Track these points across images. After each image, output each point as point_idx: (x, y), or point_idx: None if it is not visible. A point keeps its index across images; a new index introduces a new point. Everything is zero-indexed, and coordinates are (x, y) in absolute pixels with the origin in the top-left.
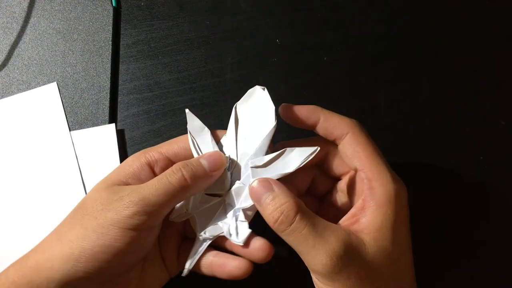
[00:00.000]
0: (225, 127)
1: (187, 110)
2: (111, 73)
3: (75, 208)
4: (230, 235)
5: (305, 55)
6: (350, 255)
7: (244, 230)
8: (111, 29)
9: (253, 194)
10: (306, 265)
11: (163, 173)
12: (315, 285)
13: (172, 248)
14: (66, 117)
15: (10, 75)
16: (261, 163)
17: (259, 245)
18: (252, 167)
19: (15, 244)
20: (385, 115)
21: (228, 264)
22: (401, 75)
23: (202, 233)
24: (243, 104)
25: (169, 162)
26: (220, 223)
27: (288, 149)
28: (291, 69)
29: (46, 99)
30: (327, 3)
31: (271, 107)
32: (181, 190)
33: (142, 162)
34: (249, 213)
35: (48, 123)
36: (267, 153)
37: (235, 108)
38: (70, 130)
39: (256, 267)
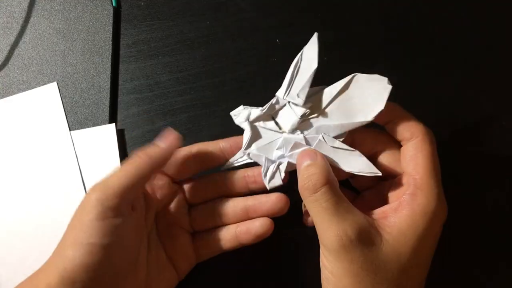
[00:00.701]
0: (225, 127)
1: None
2: (111, 73)
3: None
4: (265, 175)
5: None
6: (361, 242)
7: (277, 179)
8: (111, 29)
9: (299, 157)
10: (318, 236)
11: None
12: (320, 259)
13: (182, 247)
14: (66, 117)
15: (10, 75)
16: (329, 143)
17: (276, 196)
18: (321, 139)
19: (14, 244)
20: None
21: (252, 227)
22: (401, 75)
23: (247, 148)
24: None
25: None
26: (264, 155)
27: (357, 152)
28: None
29: (46, 99)
30: (327, 3)
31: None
32: (138, 169)
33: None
34: (291, 167)
35: (48, 123)
36: (343, 136)
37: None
38: (70, 130)
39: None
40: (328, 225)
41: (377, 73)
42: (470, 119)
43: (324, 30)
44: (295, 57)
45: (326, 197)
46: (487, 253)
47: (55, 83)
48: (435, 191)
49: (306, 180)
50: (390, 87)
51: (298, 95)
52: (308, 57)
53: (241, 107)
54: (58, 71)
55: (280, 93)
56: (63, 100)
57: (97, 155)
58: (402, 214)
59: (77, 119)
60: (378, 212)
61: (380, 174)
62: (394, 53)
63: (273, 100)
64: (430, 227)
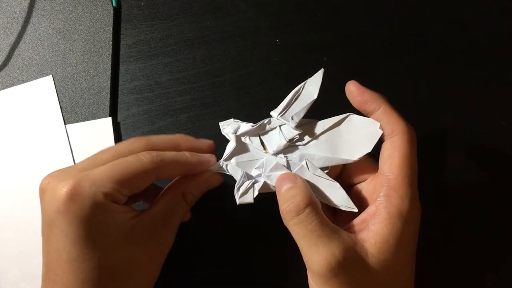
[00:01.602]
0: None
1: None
2: (111, 73)
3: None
4: (238, 189)
5: (305, 55)
6: (348, 264)
7: (249, 196)
8: (111, 29)
9: (278, 180)
10: (304, 261)
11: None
12: (309, 283)
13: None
14: (62, 111)
15: (11, 75)
16: (311, 170)
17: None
18: (304, 165)
19: (7, 236)
20: None
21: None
22: (401, 75)
23: (227, 160)
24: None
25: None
26: (242, 170)
27: (337, 184)
28: (291, 69)
29: (42, 92)
30: (327, 3)
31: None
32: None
33: None
34: (266, 189)
35: (43, 115)
36: (326, 170)
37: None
38: (65, 124)
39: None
40: (316, 249)
41: (376, 72)
42: (469, 118)
43: (324, 30)
44: (295, 57)
45: (311, 218)
46: (487, 253)
47: (50, 76)
48: (409, 190)
49: (289, 202)
50: (381, 132)
51: (292, 118)
52: (310, 89)
53: (232, 119)
54: (59, 71)
55: (274, 112)
56: (64, 100)
57: (94, 149)
58: (380, 220)
59: (77, 119)
60: (358, 222)
61: (356, 211)
62: (394, 53)
63: (265, 120)
64: (409, 227)
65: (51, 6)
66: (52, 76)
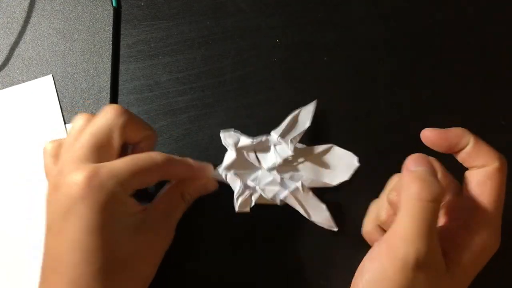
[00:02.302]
0: (225, 127)
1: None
2: (111, 73)
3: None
4: (237, 199)
5: (305, 55)
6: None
7: (247, 206)
8: (111, 29)
9: (410, 163)
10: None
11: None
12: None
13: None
14: (62, 110)
15: (11, 75)
16: (305, 192)
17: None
18: (298, 187)
19: (7, 236)
20: (385, 115)
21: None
22: (401, 75)
23: (227, 169)
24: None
25: None
26: (241, 180)
27: (324, 207)
28: (291, 69)
29: (42, 91)
30: (327, 3)
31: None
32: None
33: None
34: (262, 200)
35: (43, 115)
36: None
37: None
38: (65, 123)
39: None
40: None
41: (377, 72)
42: (469, 118)
43: (324, 30)
44: (295, 57)
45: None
46: None
47: (50, 76)
48: (498, 224)
49: (432, 188)
50: (357, 165)
51: (290, 141)
52: (304, 117)
53: (232, 130)
54: (59, 71)
55: (275, 133)
56: (64, 100)
57: None
58: (470, 251)
59: None
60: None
61: (336, 229)
62: (394, 53)
63: (263, 138)
64: (486, 260)
65: (51, 6)
66: (52, 75)
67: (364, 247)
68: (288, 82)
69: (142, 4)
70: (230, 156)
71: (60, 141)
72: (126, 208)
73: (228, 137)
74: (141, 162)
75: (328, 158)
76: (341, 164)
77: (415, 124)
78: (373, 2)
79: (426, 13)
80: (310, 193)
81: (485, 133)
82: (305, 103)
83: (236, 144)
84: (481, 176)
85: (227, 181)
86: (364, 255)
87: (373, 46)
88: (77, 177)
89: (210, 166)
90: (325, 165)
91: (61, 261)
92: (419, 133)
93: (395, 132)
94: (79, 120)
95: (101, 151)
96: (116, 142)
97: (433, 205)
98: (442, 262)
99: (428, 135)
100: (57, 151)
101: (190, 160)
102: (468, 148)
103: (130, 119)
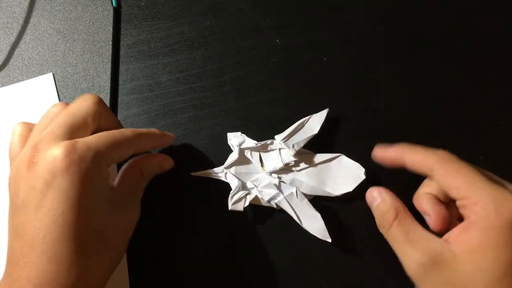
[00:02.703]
0: (225, 127)
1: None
2: (111, 73)
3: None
4: (232, 197)
5: (305, 55)
6: (435, 266)
7: (240, 205)
8: (111, 29)
9: (368, 196)
10: None
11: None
12: None
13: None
14: None
15: (11, 75)
16: (299, 198)
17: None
18: (293, 193)
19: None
20: (385, 115)
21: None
22: (401, 75)
23: (228, 168)
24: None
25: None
26: (239, 180)
27: (319, 216)
28: (291, 69)
29: (42, 89)
30: (327, 3)
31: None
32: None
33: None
34: (257, 201)
35: (43, 113)
36: (311, 197)
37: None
38: None
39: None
40: (404, 256)
41: (377, 72)
42: (469, 118)
43: (324, 30)
44: (295, 57)
45: (398, 230)
46: None
47: (50, 74)
48: (486, 195)
49: (380, 219)
50: (363, 177)
51: (293, 146)
52: (314, 123)
53: (239, 133)
54: (59, 71)
55: (279, 137)
56: (64, 100)
57: None
58: (471, 232)
59: None
60: (450, 235)
61: (330, 241)
62: (394, 52)
63: (268, 141)
64: (502, 232)
65: (51, 6)
66: (57, 83)
67: (364, 246)
68: (288, 82)
69: (142, 4)
70: (233, 156)
71: (30, 124)
72: (103, 181)
73: (233, 138)
74: (114, 136)
75: (334, 167)
76: (347, 175)
77: (415, 123)
78: (373, 2)
79: (426, 13)
80: (305, 200)
81: (485, 133)
82: (305, 103)
83: (240, 144)
84: (441, 183)
85: (226, 179)
86: (364, 254)
87: (373, 46)
88: (56, 151)
89: (171, 135)
90: (329, 174)
91: (40, 238)
92: (419, 133)
93: (395, 132)
94: (55, 107)
95: (76, 131)
96: (91, 126)
97: None
98: None
99: (376, 154)
100: (26, 132)
101: (155, 130)
102: (406, 163)
103: (105, 109)
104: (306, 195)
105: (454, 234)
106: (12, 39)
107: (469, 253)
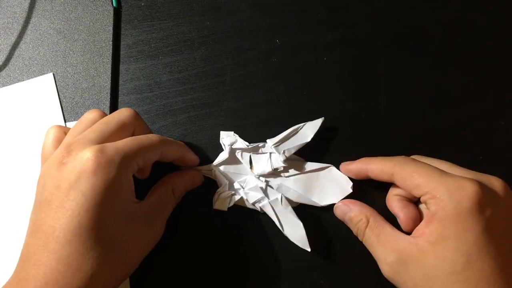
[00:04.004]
0: (225, 127)
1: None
2: (112, 73)
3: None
4: (218, 195)
5: (305, 55)
6: (405, 264)
7: (225, 204)
8: (111, 30)
9: (338, 212)
10: None
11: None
12: None
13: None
14: (62, 108)
15: (11, 75)
16: (284, 205)
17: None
18: (278, 198)
19: (6, 236)
20: (385, 115)
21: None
22: (401, 75)
23: (216, 166)
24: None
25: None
26: (226, 180)
27: (301, 225)
28: (291, 69)
29: (42, 89)
30: (327, 3)
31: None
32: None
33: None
34: (242, 203)
35: (43, 113)
36: (296, 204)
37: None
38: (65, 122)
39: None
40: (378, 258)
41: (376, 72)
42: (469, 118)
43: (324, 30)
44: (295, 57)
45: (369, 235)
46: None
47: (51, 74)
48: (443, 187)
49: (355, 229)
50: (350, 191)
51: (284, 152)
52: (307, 131)
53: (232, 132)
54: (59, 71)
55: (270, 141)
56: (64, 100)
57: None
58: (433, 224)
59: (77, 119)
60: (417, 229)
61: (309, 250)
62: (394, 52)
63: (260, 144)
64: (462, 220)
65: (52, 6)
66: (58, 83)
67: (364, 246)
68: (288, 82)
69: (142, 4)
70: (223, 155)
71: (65, 128)
72: (126, 191)
73: (226, 137)
74: (141, 140)
75: (322, 177)
76: (334, 186)
77: (415, 123)
78: (373, 2)
79: (426, 13)
80: (289, 208)
81: (485, 133)
82: (305, 102)
83: (231, 145)
84: (401, 186)
85: (214, 177)
86: (364, 254)
87: (373, 46)
88: (86, 154)
89: (196, 158)
90: (317, 183)
91: (53, 237)
92: (419, 134)
93: (395, 131)
94: (91, 113)
95: (109, 138)
96: (123, 135)
97: None
98: None
99: (343, 169)
100: (60, 134)
101: (179, 142)
102: (369, 175)
103: (139, 121)
104: (291, 202)
105: (420, 228)
106: (13, 39)
107: (433, 244)
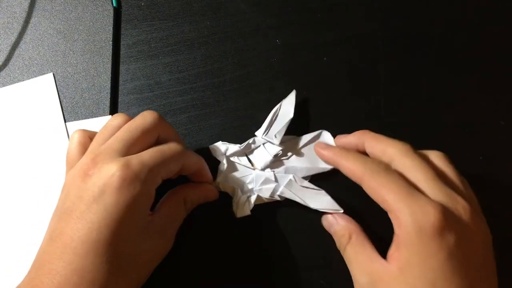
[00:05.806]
0: (225, 127)
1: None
2: (112, 73)
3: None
4: (236, 205)
5: (305, 55)
6: (376, 286)
7: (247, 209)
8: (111, 29)
9: (325, 223)
10: None
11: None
12: None
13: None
14: (62, 108)
15: (11, 75)
16: (299, 182)
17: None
18: (291, 179)
19: (5, 235)
20: (385, 115)
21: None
22: (401, 75)
23: (219, 180)
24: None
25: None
26: (236, 187)
27: (323, 192)
28: (291, 69)
29: (42, 89)
30: (327, 3)
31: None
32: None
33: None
34: (260, 200)
35: (43, 113)
36: (308, 178)
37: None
38: (65, 122)
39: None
40: (353, 277)
41: (377, 72)
42: (469, 118)
43: (324, 30)
44: (295, 57)
45: (348, 252)
46: None
47: (51, 74)
48: (406, 209)
49: (338, 242)
50: None
51: (275, 136)
52: (287, 108)
53: (220, 142)
54: (59, 71)
55: (259, 132)
56: (64, 100)
57: None
58: (400, 248)
59: (77, 119)
60: (390, 251)
61: (342, 211)
62: (393, 52)
63: (250, 140)
64: (425, 244)
65: (52, 6)
66: (58, 83)
67: None
68: (288, 82)
69: (142, 4)
70: (222, 166)
71: (89, 132)
72: (146, 208)
73: (216, 150)
74: (164, 152)
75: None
76: None
77: (415, 123)
78: (373, 2)
79: (426, 13)
80: (305, 182)
81: (485, 133)
82: (305, 102)
83: (225, 153)
84: (366, 190)
85: (223, 190)
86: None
87: (373, 46)
88: (112, 168)
89: (211, 177)
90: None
91: (71, 248)
92: (419, 133)
93: (395, 132)
94: (115, 119)
95: (133, 146)
96: (148, 141)
97: None
98: None
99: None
100: (85, 140)
101: (199, 155)
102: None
103: (163, 124)
104: (305, 178)
105: (391, 251)
106: (13, 39)
107: (401, 270)
